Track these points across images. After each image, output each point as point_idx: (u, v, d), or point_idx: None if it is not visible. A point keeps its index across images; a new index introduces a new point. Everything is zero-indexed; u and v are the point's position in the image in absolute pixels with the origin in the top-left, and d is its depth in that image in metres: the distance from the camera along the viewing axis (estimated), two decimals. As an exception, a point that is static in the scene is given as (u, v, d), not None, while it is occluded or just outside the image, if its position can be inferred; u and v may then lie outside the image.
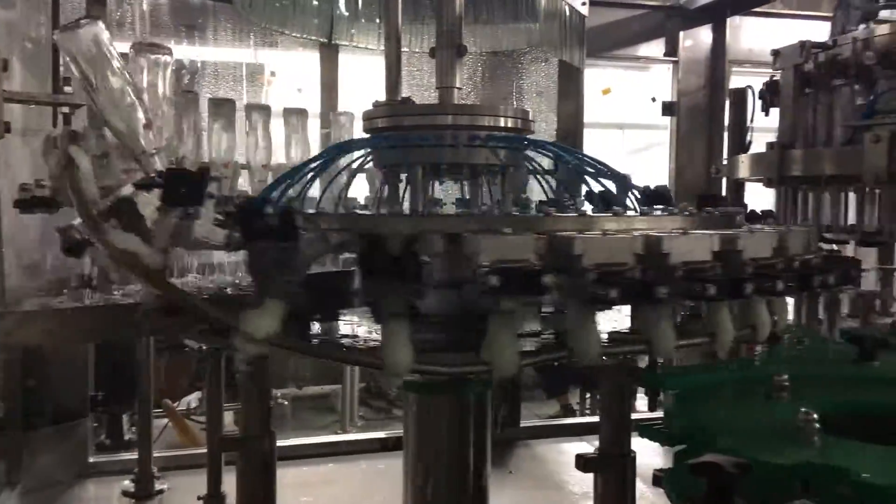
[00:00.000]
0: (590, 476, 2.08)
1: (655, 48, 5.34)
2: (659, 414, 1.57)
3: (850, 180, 3.33)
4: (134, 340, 3.77)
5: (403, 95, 2.44)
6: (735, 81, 5.26)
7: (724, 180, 4.68)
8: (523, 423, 4.97)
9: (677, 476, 1.22)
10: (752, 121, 4.40)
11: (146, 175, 1.82)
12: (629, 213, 1.79)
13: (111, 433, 5.31)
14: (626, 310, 1.57)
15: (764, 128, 4.39)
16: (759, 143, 4.39)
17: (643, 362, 1.71)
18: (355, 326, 1.80)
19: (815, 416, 1.21)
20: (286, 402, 6.60)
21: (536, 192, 2.22)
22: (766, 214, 2.06)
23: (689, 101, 5.35)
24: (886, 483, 0.98)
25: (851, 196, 3.47)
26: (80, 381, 4.21)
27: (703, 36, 5.40)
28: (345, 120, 2.98)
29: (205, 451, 2.82)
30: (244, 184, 2.62)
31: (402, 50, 2.44)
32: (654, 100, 5.62)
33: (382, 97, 2.36)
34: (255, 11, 2.62)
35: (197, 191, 1.54)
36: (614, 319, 1.70)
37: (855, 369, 1.63)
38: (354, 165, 2.03)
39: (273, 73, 5.05)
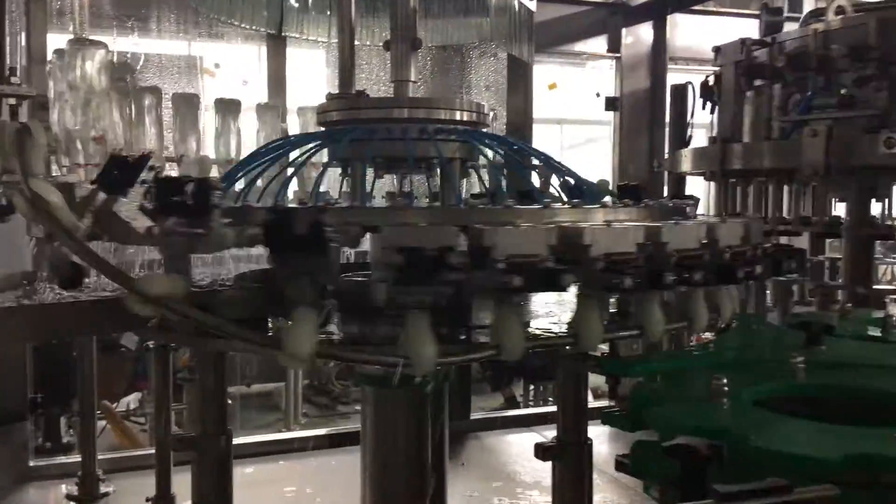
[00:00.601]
0: (540, 466, 2.10)
1: (599, 44, 5.43)
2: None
3: (789, 173, 3.45)
4: (72, 341, 3.66)
5: (357, 89, 2.43)
6: (673, 78, 5.39)
7: (665, 174, 4.80)
8: (473, 416, 5.01)
9: (644, 460, 1.25)
10: (692, 116, 4.52)
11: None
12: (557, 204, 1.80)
13: (49, 436, 5.15)
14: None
15: (701, 123, 4.53)
16: (698, 138, 4.52)
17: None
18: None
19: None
20: (230, 402, 6.49)
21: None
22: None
23: (632, 96, 5.46)
24: (802, 453, 1.03)
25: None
26: (19, 383, 4.07)
27: (643, 33, 5.51)
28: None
29: (150, 452, 2.76)
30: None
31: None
32: (598, 95, 5.71)
33: (327, 91, 2.33)
34: (202, 2, 2.57)
35: (130, 176, 1.50)
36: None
37: (803, 354, 1.69)
38: (302, 158, 2.02)
39: (217, 65, 4.96)
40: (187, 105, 2.74)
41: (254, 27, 2.77)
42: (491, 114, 2.22)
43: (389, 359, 1.36)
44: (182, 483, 2.26)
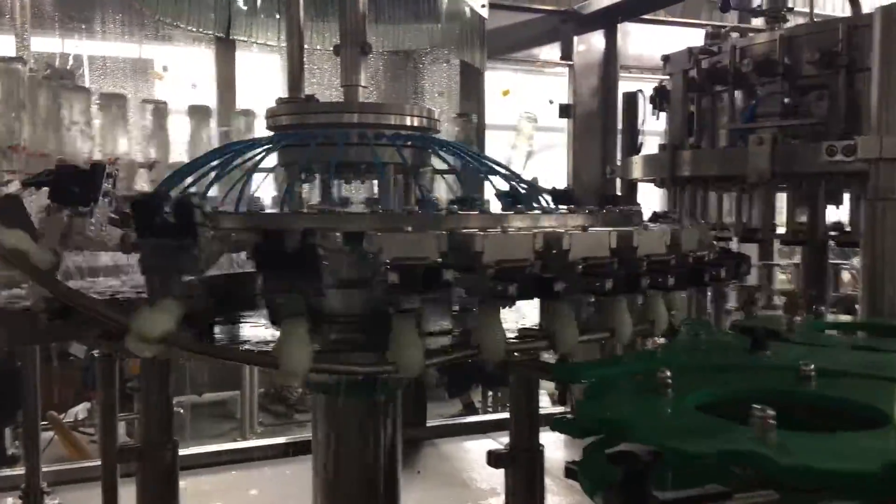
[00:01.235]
0: (496, 472, 2.11)
1: (551, 52, 5.47)
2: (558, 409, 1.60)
3: (736, 180, 3.52)
4: (14, 349, 3.55)
5: (306, 93, 2.40)
6: (624, 86, 5.46)
7: (618, 180, 4.85)
8: (429, 423, 4.99)
9: (591, 467, 1.25)
10: (643, 123, 4.59)
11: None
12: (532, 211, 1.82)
13: (-7, 449, 4.99)
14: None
15: (655, 131, 4.59)
16: (650, 145, 4.59)
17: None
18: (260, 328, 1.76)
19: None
20: (181, 411, 6.36)
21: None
22: (665, 214, 2.15)
23: (584, 103, 5.51)
24: (787, 463, 1.04)
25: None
26: (-41, 396, 3.93)
27: (595, 41, 5.57)
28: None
29: (97, 463, 2.68)
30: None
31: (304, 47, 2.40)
32: (551, 102, 5.75)
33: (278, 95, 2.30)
34: (147, 3, 2.52)
35: (89, 188, 1.47)
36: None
37: (749, 359, 1.72)
38: (251, 164, 1.98)
39: (165, 68, 4.87)
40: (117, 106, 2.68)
41: (201, 29, 2.73)
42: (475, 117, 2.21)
43: (382, 367, 1.37)
44: (130, 496, 2.21)
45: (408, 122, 2.13)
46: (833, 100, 3.22)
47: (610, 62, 5.47)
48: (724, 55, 3.64)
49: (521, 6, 5.26)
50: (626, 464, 0.94)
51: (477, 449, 4.62)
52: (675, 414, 1.31)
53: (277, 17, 2.84)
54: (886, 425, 1.27)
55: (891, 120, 2.87)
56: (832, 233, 3.52)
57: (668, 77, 4.18)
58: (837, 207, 3.66)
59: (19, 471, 3.72)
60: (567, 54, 5.41)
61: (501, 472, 2.07)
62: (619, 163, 4.82)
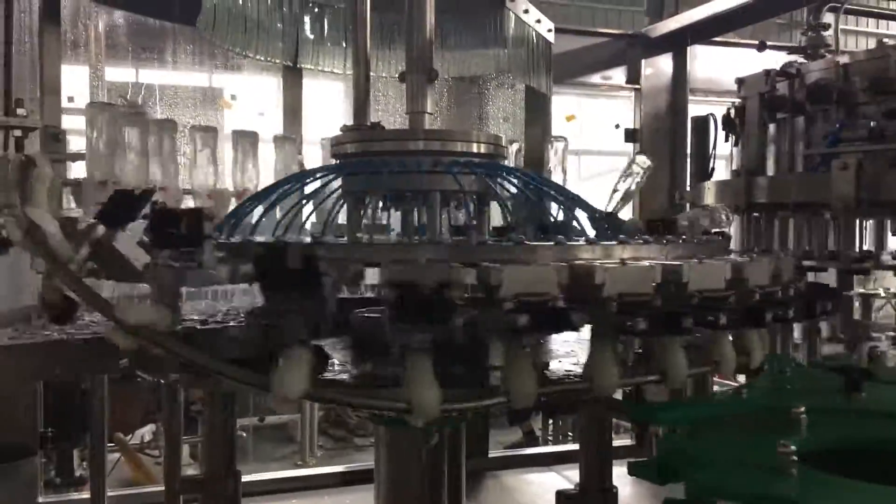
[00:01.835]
0: (560, 507, 2.01)
1: (618, 75, 5.38)
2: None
3: (817, 207, 3.36)
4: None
5: (372, 121, 2.38)
6: (692, 109, 5.33)
7: (687, 206, 4.70)
8: (491, 453, 4.88)
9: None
10: (714, 148, 4.45)
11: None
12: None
13: (61, 470, 5.08)
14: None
15: (720, 155, 4.45)
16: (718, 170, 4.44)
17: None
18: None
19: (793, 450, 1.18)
20: (244, 434, 6.41)
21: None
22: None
23: (651, 127, 5.39)
24: None
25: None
26: (30, 418, 4.01)
27: (663, 64, 5.46)
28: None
29: (162, 489, 2.67)
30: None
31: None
32: (617, 126, 5.65)
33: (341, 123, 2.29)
34: (218, 34, 2.55)
35: (131, 210, 1.45)
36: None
37: (843, 401, 1.59)
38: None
39: (233, 97, 4.96)
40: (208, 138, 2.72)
41: (270, 59, 2.75)
42: (515, 145, 2.15)
43: (387, 403, 1.27)
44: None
45: (474, 148, 2.08)
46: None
47: (679, 85, 5.35)
48: (824, 72, 3.42)
49: (586, 30, 5.20)
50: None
51: (540, 482, 4.50)
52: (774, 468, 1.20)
53: (344, 45, 2.84)
54: None
55: None
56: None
57: (737, 101, 4.05)
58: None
59: (84, 495, 3.76)
60: (634, 78, 5.31)
61: (564, 505, 1.97)
62: (688, 188, 4.67)
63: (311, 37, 2.81)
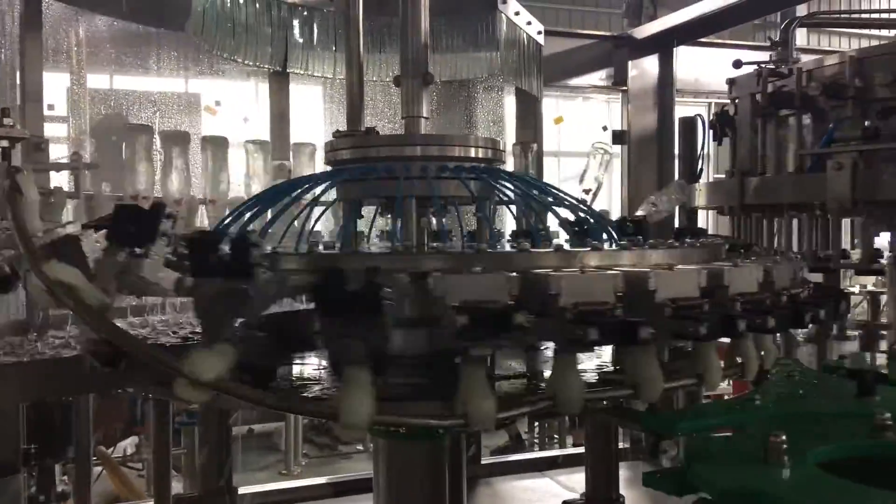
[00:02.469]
0: (560, 515, 1.98)
1: (604, 77, 5.36)
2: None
3: (810, 207, 3.34)
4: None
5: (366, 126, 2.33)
6: (678, 110, 5.32)
7: (676, 207, 4.69)
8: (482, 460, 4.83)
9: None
10: (703, 149, 4.44)
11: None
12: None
13: (42, 488, 4.96)
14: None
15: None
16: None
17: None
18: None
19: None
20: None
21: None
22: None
23: (639, 129, 5.37)
24: None
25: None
26: (12, 435, 3.90)
27: (649, 65, 5.44)
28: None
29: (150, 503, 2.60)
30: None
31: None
32: (605, 128, 5.64)
33: (327, 127, 2.24)
34: (207, 38, 2.49)
35: (147, 228, 1.39)
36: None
37: (856, 405, 1.56)
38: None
39: (218, 103, 4.89)
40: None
41: (258, 64, 2.70)
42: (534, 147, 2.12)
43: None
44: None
45: (472, 153, 2.04)
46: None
47: (665, 87, 5.33)
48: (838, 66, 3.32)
49: (573, 32, 5.17)
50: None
51: (534, 488, 4.45)
52: (797, 475, 1.17)
53: (333, 49, 2.80)
54: None
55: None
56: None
57: (728, 100, 4.03)
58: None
59: (70, 510, 3.66)
60: (621, 79, 5.29)
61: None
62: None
63: (301, 41, 2.77)
